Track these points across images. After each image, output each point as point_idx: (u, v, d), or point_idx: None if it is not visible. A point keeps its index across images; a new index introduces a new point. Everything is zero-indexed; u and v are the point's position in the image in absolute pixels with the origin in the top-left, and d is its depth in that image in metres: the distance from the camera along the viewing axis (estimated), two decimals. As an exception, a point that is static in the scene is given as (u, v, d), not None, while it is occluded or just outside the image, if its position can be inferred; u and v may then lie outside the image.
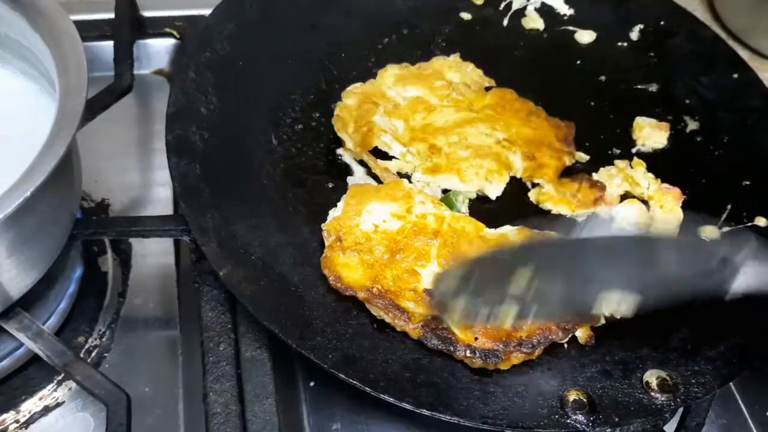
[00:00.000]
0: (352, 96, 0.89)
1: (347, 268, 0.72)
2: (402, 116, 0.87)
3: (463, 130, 0.86)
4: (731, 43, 1.05)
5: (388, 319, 0.70)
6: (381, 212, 0.77)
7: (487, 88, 0.93)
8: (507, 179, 0.84)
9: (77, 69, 0.65)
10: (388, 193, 0.79)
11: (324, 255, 0.74)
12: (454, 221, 0.77)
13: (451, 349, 0.68)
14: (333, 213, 0.77)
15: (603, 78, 0.97)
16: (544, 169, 0.85)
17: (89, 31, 1.02)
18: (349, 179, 0.84)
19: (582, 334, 0.72)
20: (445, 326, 0.69)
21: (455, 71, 0.93)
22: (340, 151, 0.86)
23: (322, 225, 0.76)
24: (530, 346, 0.69)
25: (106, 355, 0.80)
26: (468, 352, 0.68)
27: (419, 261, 0.73)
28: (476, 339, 0.68)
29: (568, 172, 0.86)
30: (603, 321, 0.73)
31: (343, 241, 0.74)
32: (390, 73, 0.92)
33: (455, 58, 0.95)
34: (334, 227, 0.75)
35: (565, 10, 1.03)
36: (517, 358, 0.68)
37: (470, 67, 0.95)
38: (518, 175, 0.85)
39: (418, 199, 0.78)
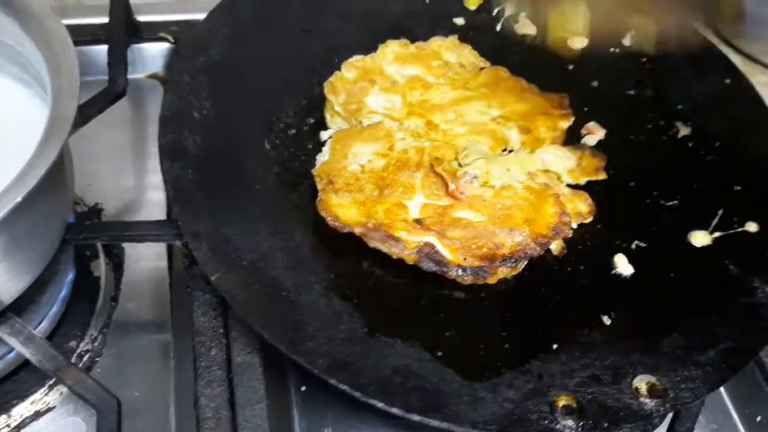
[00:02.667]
0: (351, 68, 0.90)
1: (342, 208, 0.77)
2: (399, 92, 0.89)
3: (459, 108, 0.88)
4: (723, 48, 1.05)
5: (385, 249, 0.75)
6: (365, 153, 0.82)
7: (483, 69, 0.94)
8: (503, 155, 0.86)
9: (69, 73, 0.65)
10: (370, 134, 0.83)
11: (318, 198, 0.78)
12: (433, 151, 0.82)
13: (444, 270, 0.74)
14: (320, 158, 0.82)
15: (596, 84, 0.97)
16: (542, 143, 0.87)
17: (83, 35, 1.02)
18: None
19: (556, 246, 0.80)
20: (436, 250, 0.74)
21: (452, 52, 0.95)
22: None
23: (313, 170, 0.81)
24: (513, 261, 0.76)
25: (97, 359, 0.80)
26: (459, 271, 0.74)
27: (405, 194, 0.79)
28: (465, 259, 0.75)
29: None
30: (572, 233, 0.80)
31: (335, 183, 0.78)
32: (390, 49, 0.93)
33: (453, 39, 0.97)
34: (324, 171, 0.80)
35: (558, 15, 1.04)
36: (503, 272, 0.76)
37: (467, 48, 0.96)
38: (516, 149, 0.87)
39: (398, 136, 0.83)
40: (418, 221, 0.77)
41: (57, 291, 0.79)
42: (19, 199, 0.56)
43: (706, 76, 0.97)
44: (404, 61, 0.92)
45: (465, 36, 0.97)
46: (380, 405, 0.64)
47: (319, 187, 0.79)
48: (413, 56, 0.93)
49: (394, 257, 0.75)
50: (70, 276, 0.81)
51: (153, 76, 1.08)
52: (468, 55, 0.95)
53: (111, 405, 0.67)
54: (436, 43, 0.95)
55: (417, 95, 0.89)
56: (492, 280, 0.76)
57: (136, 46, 1.06)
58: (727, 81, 0.96)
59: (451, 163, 0.81)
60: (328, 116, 0.89)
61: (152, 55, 1.07)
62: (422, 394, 0.66)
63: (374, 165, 0.81)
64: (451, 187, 0.79)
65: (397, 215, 0.77)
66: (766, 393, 0.80)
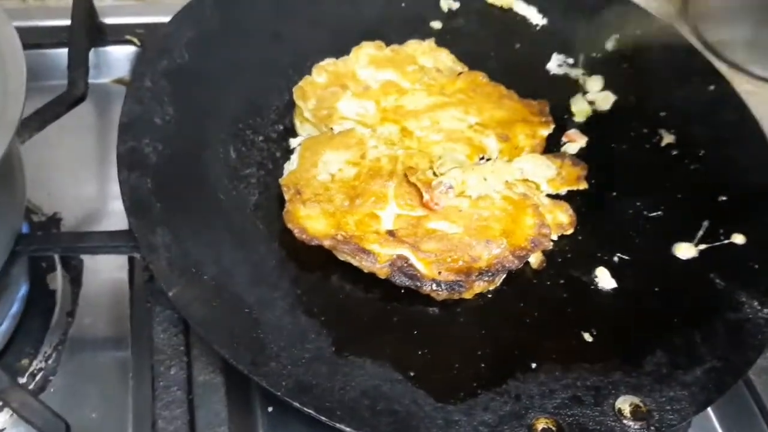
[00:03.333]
0: (322, 72, 0.88)
1: (310, 219, 0.74)
2: (373, 98, 0.86)
3: (435, 114, 0.86)
4: (708, 56, 1.03)
5: (355, 263, 0.72)
6: (336, 161, 0.79)
7: (460, 74, 0.92)
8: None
9: (16, 75, 0.62)
10: (341, 142, 0.80)
11: (285, 209, 0.75)
12: (407, 159, 0.79)
13: (418, 284, 0.72)
14: (288, 167, 0.79)
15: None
16: (521, 151, 0.84)
17: (46, 37, 1.00)
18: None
19: (535, 259, 0.77)
20: (410, 263, 0.72)
21: (428, 56, 0.92)
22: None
23: (280, 180, 0.78)
24: (490, 275, 0.73)
25: (51, 378, 0.76)
26: (434, 285, 0.72)
27: (378, 204, 0.76)
28: (440, 273, 0.72)
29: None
30: (551, 245, 0.77)
31: (302, 193, 0.75)
32: (365, 51, 0.90)
33: (429, 42, 0.94)
34: (292, 181, 0.77)
35: (539, 20, 1.01)
36: (479, 287, 0.73)
37: (444, 52, 0.94)
38: (493, 158, 0.84)
39: (370, 144, 0.81)
40: (390, 233, 0.74)
41: (7, 306, 0.75)
42: (-46, 208, 0.52)
43: (690, 83, 0.94)
44: (378, 65, 0.89)
45: (442, 40, 0.95)
46: (348, 430, 0.61)
47: (286, 197, 0.76)
48: (388, 60, 0.90)
49: (366, 271, 0.72)
50: (23, 290, 0.78)
51: (119, 81, 1.05)
52: (445, 59, 0.93)
53: (59, 429, 0.64)
54: (412, 46, 0.93)
55: (391, 101, 0.87)
56: (468, 295, 0.73)
57: (101, 49, 1.03)
58: (712, 88, 0.93)
59: (426, 173, 0.78)
60: (297, 123, 0.86)
61: (118, 59, 1.04)
62: (392, 417, 0.62)
63: (345, 174, 0.78)
64: (426, 197, 0.76)
65: (369, 226, 0.74)
66: (756, 414, 0.77)
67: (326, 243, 0.73)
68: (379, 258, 0.72)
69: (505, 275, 0.75)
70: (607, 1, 1.02)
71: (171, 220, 0.71)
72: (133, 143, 0.75)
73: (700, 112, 0.91)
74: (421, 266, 0.72)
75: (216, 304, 0.67)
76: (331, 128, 0.82)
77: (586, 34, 1.00)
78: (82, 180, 0.94)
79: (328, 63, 0.89)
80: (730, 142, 0.88)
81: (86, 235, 0.76)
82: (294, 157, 0.80)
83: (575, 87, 0.96)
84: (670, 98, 0.93)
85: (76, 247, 0.76)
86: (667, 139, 0.90)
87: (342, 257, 0.73)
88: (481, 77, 0.90)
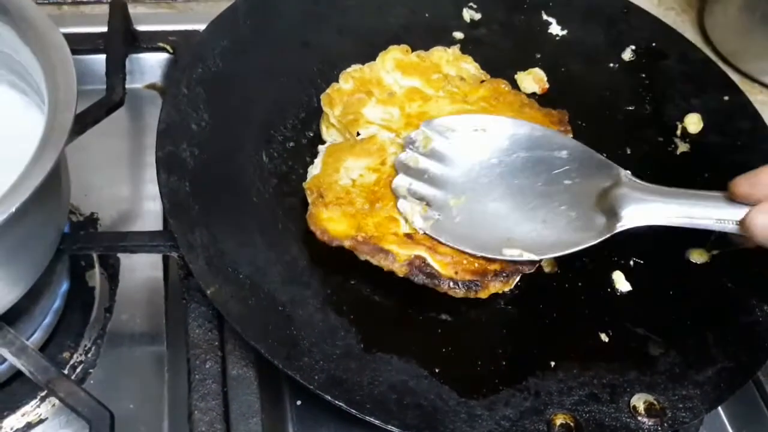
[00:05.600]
0: (348, 79, 0.90)
1: (332, 222, 0.76)
2: (397, 104, 0.89)
3: None
4: (722, 66, 1.05)
5: (374, 262, 0.74)
6: (357, 167, 0.82)
7: (483, 82, 0.94)
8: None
9: (66, 83, 0.64)
10: (362, 149, 0.83)
11: (309, 212, 0.77)
12: None
13: (436, 282, 0.74)
14: (312, 171, 0.81)
15: (594, 99, 0.97)
16: None
17: (82, 44, 1.02)
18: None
19: (546, 264, 0.80)
20: (428, 263, 0.74)
21: (452, 65, 0.94)
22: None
23: (304, 183, 0.80)
24: (504, 275, 0.75)
25: (91, 371, 0.79)
26: (451, 284, 0.74)
27: (396, 208, 0.78)
28: (456, 273, 0.74)
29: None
30: None
31: (325, 197, 0.78)
32: (391, 55, 0.93)
33: (454, 50, 0.96)
34: (315, 184, 0.79)
35: (558, 30, 1.04)
36: (495, 287, 0.75)
37: (468, 60, 0.96)
38: None
39: (390, 151, 0.83)
40: (408, 236, 0.76)
41: (51, 301, 0.78)
42: (13, 209, 0.55)
43: (704, 93, 0.97)
44: (404, 70, 0.92)
45: (464, 49, 0.96)
46: (377, 422, 0.63)
47: (309, 200, 0.78)
48: (413, 66, 0.92)
49: (385, 270, 0.74)
50: (65, 286, 0.81)
51: (151, 87, 1.08)
52: (469, 66, 0.95)
53: (103, 418, 0.67)
54: (437, 54, 0.95)
55: (415, 107, 0.89)
56: (483, 294, 0.75)
57: (134, 56, 1.05)
58: (726, 98, 0.96)
59: None
60: (323, 128, 0.88)
61: (151, 65, 1.07)
62: (418, 411, 0.65)
63: (366, 179, 0.80)
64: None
65: (388, 229, 0.76)
66: (764, 413, 0.80)
67: (347, 243, 0.75)
68: (397, 257, 0.74)
69: (519, 276, 0.77)
70: (625, 12, 1.05)
71: (208, 221, 0.74)
72: (171, 148, 0.78)
73: (714, 121, 0.94)
74: (437, 267, 0.75)
75: (251, 302, 0.70)
76: (357, 133, 0.85)
77: (604, 45, 1.03)
78: (116, 181, 0.97)
79: (355, 69, 0.91)
80: (743, 150, 0.91)
81: (127, 234, 0.79)
82: (317, 162, 0.82)
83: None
84: (685, 107, 0.95)
85: (117, 246, 0.79)
86: (682, 147, 0.92)
87: (362, 257, 0.75)
88: (503, 85, 0.93)
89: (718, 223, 0.71)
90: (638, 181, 0.76)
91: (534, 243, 0.76)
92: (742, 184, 0.69)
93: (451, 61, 0.94)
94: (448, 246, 0.76)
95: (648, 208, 0.73)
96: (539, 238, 0.76)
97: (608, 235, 0.74)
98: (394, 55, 0.93)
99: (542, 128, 0.84)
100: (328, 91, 0.89)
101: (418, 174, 0.81)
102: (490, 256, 0.75)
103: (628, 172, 0.78)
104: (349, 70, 0.91)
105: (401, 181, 0.80)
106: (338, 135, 0.88)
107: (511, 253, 0.75)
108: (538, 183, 0.80)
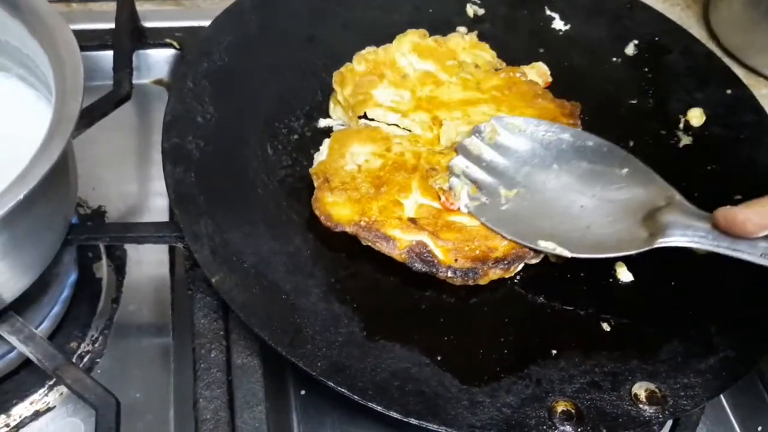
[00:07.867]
0: (362, 61, 0.91)
1: (336, 206, 0.77)
2: (409, 87, 0.90)
3: (467, 108, 0.88)
4: (726, 60, 1.05)
5: (375, 248, 0.75)
6: (363, 153, 0.82)
7: (498, 70, 0.94)
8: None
9: (73, 75, 0.65)
10: (368, 135, 0.84)
11: (314, 197, 0.78)
12: (430, 157, 0.82)
13: (434, 270, 0.74)
14: (318, 157, 0.83)
15: (597, 93, 0.98)
16: None
17: (90, 40, 1.03)
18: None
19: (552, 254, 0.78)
20: (429, 249, 0.74)
21: (468, 53, 0.95)
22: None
23: (310, 169, 0.81)
24: (506, 263, 0.75)
25: (98, 360, 0.80)
26: (450, 272, 0.74)
27: (401, 192, 0.79)
28: (456, 260, 0.75)
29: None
30: None
31: (330, 182, 0.78)
32: (409, 38, 0.94)
33: (472, 37, 0.97)
34: (321, 170, 0.80)
35: (561, 25, 1.04)
36: (495, 274, 0.75)
37: (485, 48, 0.97)
38: None
39: (395, 141, 0.84)
40: (412, 220, 0.77)
41: (59, 291, 0.79)
42: (21, 197, 0.56)
43: (708, 87, 0.97)
44: (420, 54, 0.92)
45: (468, 45, 0.98)
46: (379, 408, 0.64)
47: (315, 185, 0.79)
48: (430, 50, 0.93)
49: (387, 255, 0.75)
50: (73, 277, 0.82)
51: (158, 82, 1.09)
52: (485, 54, 0.95)
53: (110, 405, 0.68)
54: (455, 40, 0.95)
55: (426, 91, 0.90)
56: (483, 281, 0.75)
57: (141, 51, 1.06)
58: (729, 91, 0.96)
59: (445, 172, 0.81)
60: (331, 105, 0.90)
61: (157, 61, 1.08)
62: (420, 398, 0.66)
63: (371, 165, 0.81)
64: (442, 198, 0.79)
65: (393, 212, 0.77)
66: (767, 403, 0.80)
67: (349, 229, 0.76)
68: (399, 244, 0.75)
69: (521, 265, 0.77)
70: (628, 7, 1.06)
71: (213, 212, 0.75)
72: (177, 140, 0.80)
73: (717, 114, 0.94)
74: (439, 252, 0.75)
75: (256, 291, 0.71)
76: (364, 114, 0.86)
77: (607, 39, 1.03)
78: (123, 176, 0.98)
79: (369, 51, 0.91)
80: (746, 143, 0.91)
81: (133, 225, 0.81)
82: (323, 149, 0.83)
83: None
84: (688, 101, 0.96)
85: (124, 237, 0.80)
86: (685, 140, 0.93)
87: (365, 242, 0.76)
88: (519, 74, 0.93)
89: (763, 258, 0.69)
90: (691, 206, 0.75)
91: (570, 241, 0.76)
92: None
93: (467, 48, 0.95)
94: (486, 226, 0.77)
95: (696, 235, 0.72)
96: (578, 239, 0.76)
97: (647, 249, 0.73)
98: (412, 38, 0.94)
99: (610, 144, 0.83)
100: (341, 69, 0.90)
101: (477, 160, 0.82)
102: (522, 242, 0.76)
103: (682, 197, 0.77)
104: (363, 52, 0.92)
105: (459, 162, 0.81)
106: (343, 114, 0.89)
107: (546, 245, 0.75)
108: (592, 193, 0.80)
